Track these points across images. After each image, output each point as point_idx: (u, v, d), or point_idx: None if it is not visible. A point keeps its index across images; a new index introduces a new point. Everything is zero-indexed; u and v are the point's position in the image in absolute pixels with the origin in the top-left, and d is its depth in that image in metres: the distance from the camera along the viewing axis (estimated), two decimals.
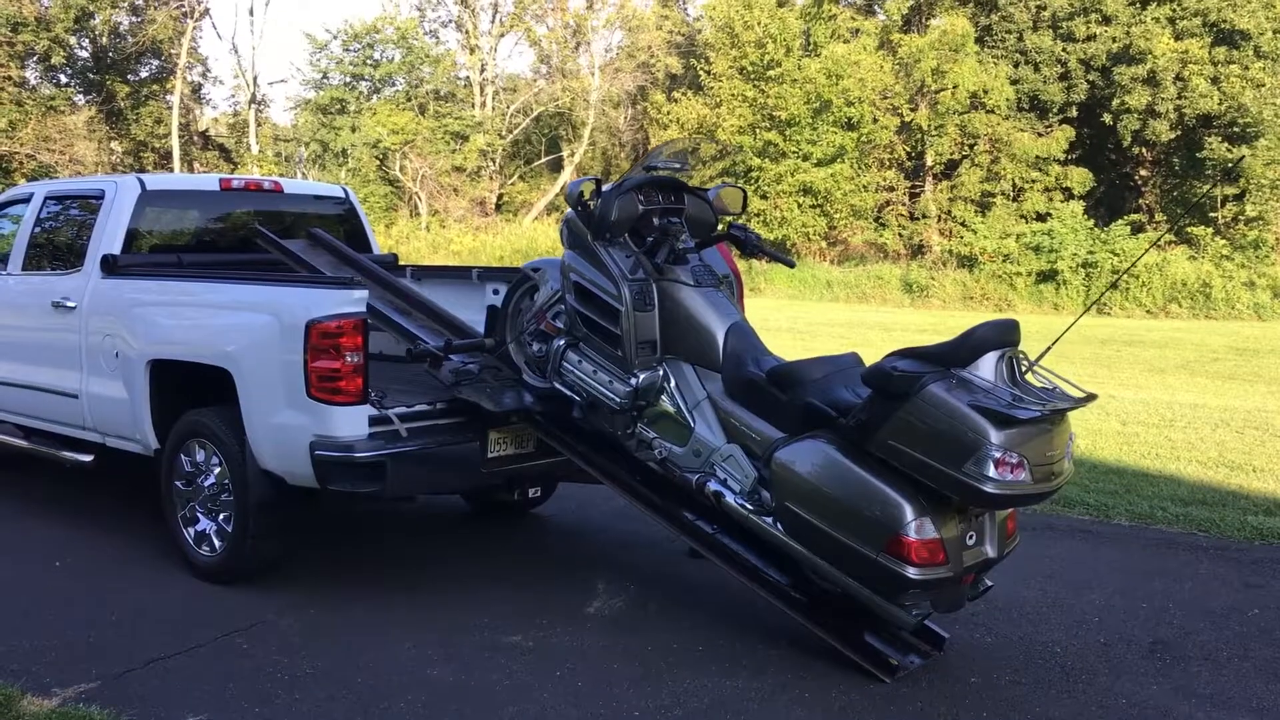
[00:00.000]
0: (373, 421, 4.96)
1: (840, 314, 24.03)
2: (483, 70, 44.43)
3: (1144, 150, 32.59)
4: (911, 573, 4.07)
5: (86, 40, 38.64)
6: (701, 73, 34.53)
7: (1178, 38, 29.93)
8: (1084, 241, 26.21)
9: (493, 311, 5.91)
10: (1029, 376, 4.15)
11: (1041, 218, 29.95)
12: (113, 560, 5.90)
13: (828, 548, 4.27)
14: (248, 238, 6.89)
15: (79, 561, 5.89)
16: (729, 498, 4.61)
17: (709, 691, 4.29)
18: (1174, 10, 30.34)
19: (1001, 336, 4.12)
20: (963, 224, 31.11)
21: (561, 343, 5.16)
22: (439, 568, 5.91)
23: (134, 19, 39.25)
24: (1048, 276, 26.32)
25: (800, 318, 22.00)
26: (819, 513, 4.27)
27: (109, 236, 6.20)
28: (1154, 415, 10.56)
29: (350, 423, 4.88)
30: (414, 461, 5.03)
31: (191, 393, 5.58)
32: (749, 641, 4.78)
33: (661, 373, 4.88)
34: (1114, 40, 30.94)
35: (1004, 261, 27.06)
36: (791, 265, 5.94)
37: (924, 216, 33.34)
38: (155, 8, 38.62)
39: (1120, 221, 27.22)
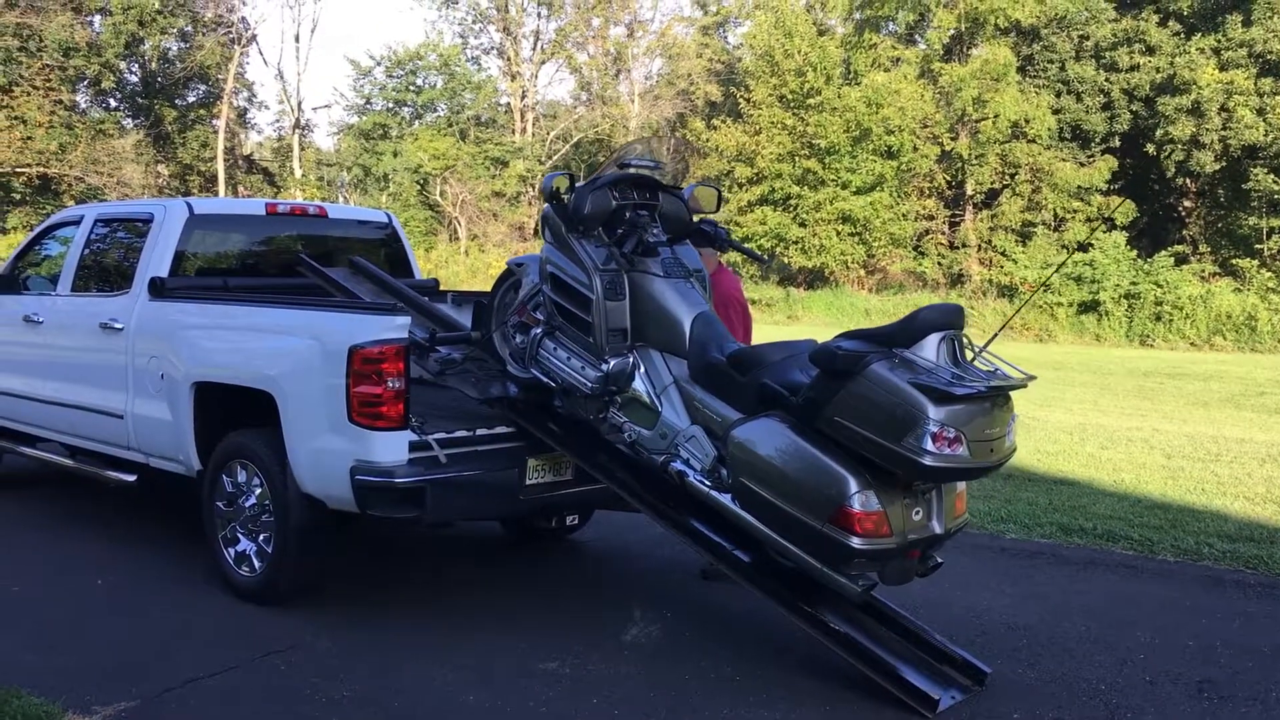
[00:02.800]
0: (412, 447, 4.97)
1: None
2: (524, 97, 44.82)
3: (1188, 181, 32.31)
4: (856, 543, 4.19)
5: (136, 65, 39.42)
6: (741, 100, 34.64)
7: (1223, 68, 29.71)
8: (1126, 272, 25.98)
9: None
10: (977, 362, 4.29)
11: (1083, 248, 29.76)
12: (153, 579, 5.95)
13: (779, 520, 4.40)
14: (292, 262, 6.95)
15: (120, 580, 5.94)
16: (691, 476, 4.76)
17: None
18: (1219, 41, 30.13)
19: (944, 319, 4.29)
20: (1003, 253, 30.94)
21: (539, 331, 5.35)
22: (475, 592, 5.91)
23: (183, 45, 40.01)
24: (1089, 307, 26.09)
25: None
26: (771, 487, 4.41)
27: (157, 259, 6.28)
28: (1199, 449, 10.41)
29: (391, 448, 4.89)
30: (453, 488, 5.03)
31: (234, 415, 5.63)
32: (787, 672, 4.73)
33: (631, 360, 5.06)
34: (1158, 71, 30.77)
35: (1045, 292, 26.87)
36: (763, 260, 6.21)
37: (964, 246, 33.20)
38: (204, 34, 39.32)
39: (1164, 253, 26.96)
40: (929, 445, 4.00)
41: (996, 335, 4.41)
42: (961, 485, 4.61)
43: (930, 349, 4.17)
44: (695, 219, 5.42)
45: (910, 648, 4.64)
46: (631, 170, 5.29)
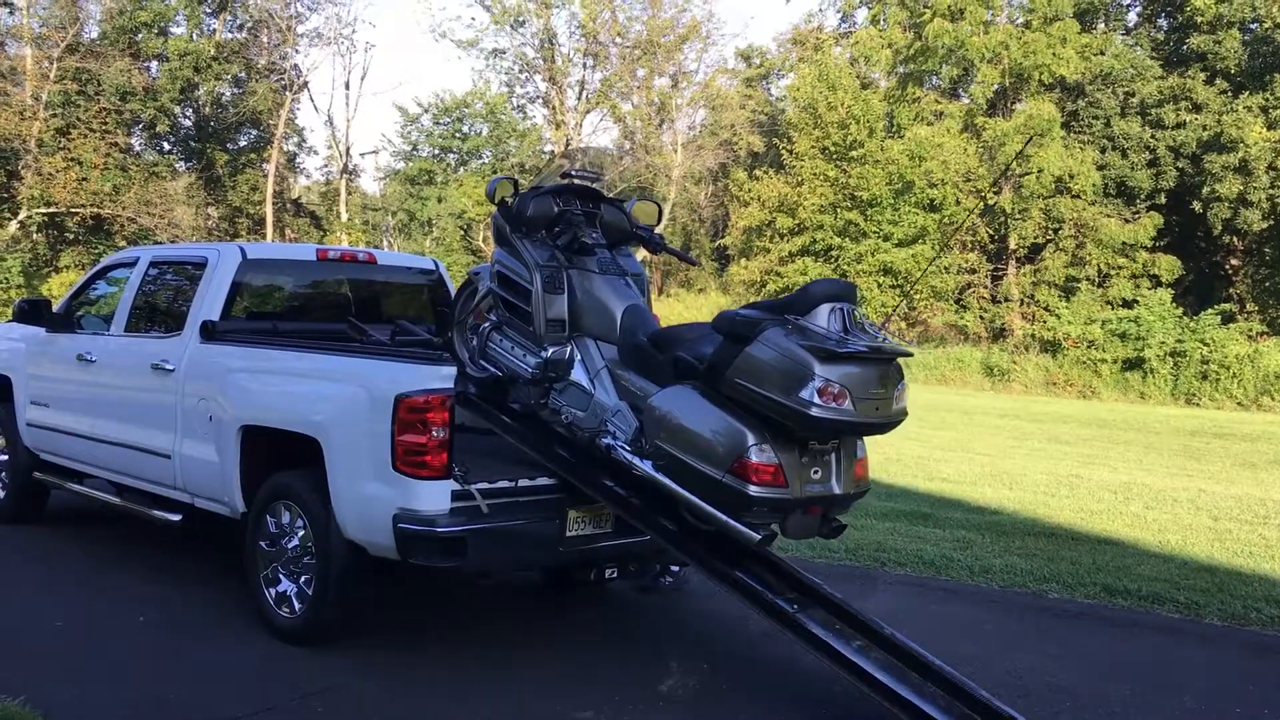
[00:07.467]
0: (455, 496, 4.99)
1: (919, 395, 23.75)
2: (568, 145, 45.25)
3: (1235, 239, 32.00)
4: (753, 491, 4.58)
5: (190, 110, 40.23)
6: (783, 151, 34.79)
7: (1270, 127, 29.51)
8: (1172, 330, 25.68)
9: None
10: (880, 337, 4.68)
11: (1128, 304, 29.47)
12: (195, 617, 6.00)
13: (687, 476, 4.78)
14: (342, 307, 7.05)
15: (162, 617, 6.00)
16: (617, 448, 5.14)
17: None
18: (1267, 99, 29.96)
19: (835, 291, 4.70)
20: (1046, 308, 30.74)
21: (488, 325, 5.91)
22: (513, 639, 5.91)
23: (236, 91, 40.81)
24: (1134, 364, 25.80)
25: None
26: (680, 446, 4.81)
27: (209, 302, 6.39)
28: (1247, 511, 10.24)
29: (434, 497, 4.92)
30: (494, 538, 5.05)
31: (279, 457, 5.69)
32: None
33: (569, 348, 5.54)
34: (1204, 128, 30.60)
35: (1088, 348, 26.61)
36: (694, 263, 6.75)
37: (1006, 300, 33.02)
38: (257, 80, 40.11)
39: (1210, 311, 26.65)
40: (816, 399, 4.41)
41: (892, 314, 4.90)
42: (862, 452, 5.01)
43: (822, 317, 4.57)
44: (634, 230, 5.85)
45: (955, 703, 4.58)
46: (573, 180, 5.81)
